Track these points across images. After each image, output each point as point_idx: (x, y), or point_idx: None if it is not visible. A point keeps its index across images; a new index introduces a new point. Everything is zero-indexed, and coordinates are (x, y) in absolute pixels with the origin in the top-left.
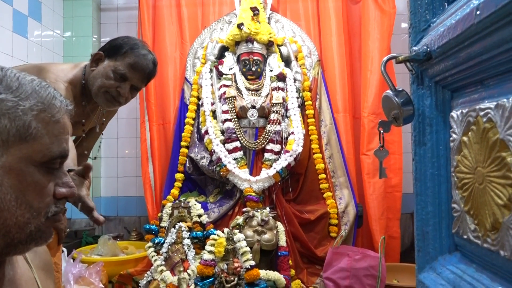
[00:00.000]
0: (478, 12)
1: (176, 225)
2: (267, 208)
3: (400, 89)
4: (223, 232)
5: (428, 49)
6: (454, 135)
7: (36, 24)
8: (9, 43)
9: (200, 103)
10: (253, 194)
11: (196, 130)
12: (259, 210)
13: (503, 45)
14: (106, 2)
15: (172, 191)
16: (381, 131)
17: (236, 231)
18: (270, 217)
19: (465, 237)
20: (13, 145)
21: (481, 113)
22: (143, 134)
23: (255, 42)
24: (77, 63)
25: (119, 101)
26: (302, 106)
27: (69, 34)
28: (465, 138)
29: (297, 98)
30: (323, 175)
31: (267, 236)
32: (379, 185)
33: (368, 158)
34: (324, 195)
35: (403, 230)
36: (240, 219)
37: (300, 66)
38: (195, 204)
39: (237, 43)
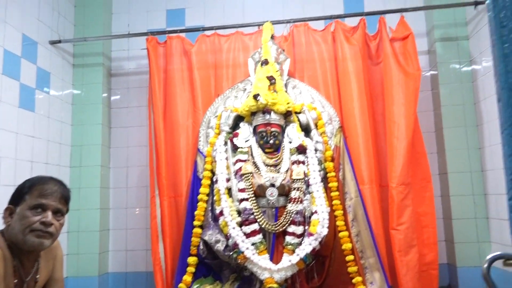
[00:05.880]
0: None
1: None
2: None
3: None
4: None
5: None
6: None
7: (44, 95)
8: (15, 120)
9: (214, 179)
10: (275, 286)
11: (210, 208)
12: None
13: None
14: (117, 67)
15: (184, 277)
16: None
17: None
18: None
19: None
20: None
21: None
22: (153, 210)
23: (272, 112)
24: None
25: (49, 232)
26: (324, 179)
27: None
28: None
29: (319, 171)
30: (351, 257)
31: None
32: (413, 263)
33: (399, 234)
34: (353, 280)
35: None
36: None
37: (321, 134)
38: None
39: (253, 113)
